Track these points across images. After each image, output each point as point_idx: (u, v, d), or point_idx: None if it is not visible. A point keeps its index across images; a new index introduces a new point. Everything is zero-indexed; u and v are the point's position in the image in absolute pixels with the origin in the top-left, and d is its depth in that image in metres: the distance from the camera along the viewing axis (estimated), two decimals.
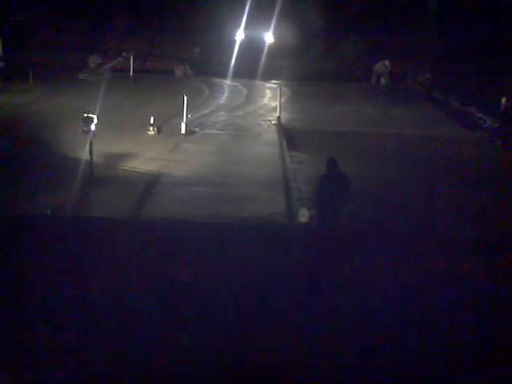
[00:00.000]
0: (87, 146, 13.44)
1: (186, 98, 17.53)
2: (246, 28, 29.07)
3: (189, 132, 17.80)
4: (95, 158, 13.65)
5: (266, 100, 24.01)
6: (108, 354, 7.01)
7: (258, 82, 26.85)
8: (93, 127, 13.51)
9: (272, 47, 28.81)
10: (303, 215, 11.57)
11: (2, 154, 14.35)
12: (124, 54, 27.31)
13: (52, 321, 7.59)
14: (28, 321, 7.58)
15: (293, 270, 9.42)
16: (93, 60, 27.93)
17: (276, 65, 27.62)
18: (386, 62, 26.99)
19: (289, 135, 18.09)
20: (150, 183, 13.48)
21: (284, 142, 17.24)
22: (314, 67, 26.95)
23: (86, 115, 13.86)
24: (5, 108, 19.42)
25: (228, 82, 26.80)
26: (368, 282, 8.86)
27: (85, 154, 13.66)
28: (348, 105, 22.97)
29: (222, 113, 21.44)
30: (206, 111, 21.38)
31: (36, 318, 7.64)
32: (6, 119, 17.70)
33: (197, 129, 18.50)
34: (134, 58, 26.20)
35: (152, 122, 17.55)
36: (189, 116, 18.03)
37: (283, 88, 23.06)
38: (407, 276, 9.04)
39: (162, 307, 8.12)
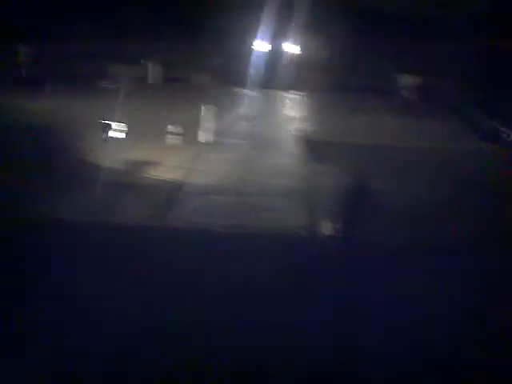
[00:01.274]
0: (108, 154, 13.45)
1: (206, 107, 17.51)
2: (270, 37, 29.07)
3: (209, 141, 17.76)
4: (116, 166, 13.65)
5: (288, 110, 23.94)
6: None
7: (281, 92, 26.80)
8: (113, 135, 13.53)
9: (296, 57, 28.77)
10: (325, 227, 11.46)
11: (23, 161, 14.38)
12: (144, 61, 27.43)
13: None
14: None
15: (312, 281, 9.34)
16: (113, 68, 28.08)
17: (299, 75, 27.54)
18: (412, 77, 26.73)
19: (311, 146, 17.96)
20: (171, 192, 13.44)
21: (306, 153, 17.13)
22: (337, 77, 26.81)
23: (106, 123, 13.90)
24: (26, 116, 19.51)
25: (250, 91, 26.79)
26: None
27: (106, 162, 13.66)
28: (371, 116, 22.78)
29: (243, 123, 21.39)
30: (228, 121, 21.33)
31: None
32: (28, 127, 17.75)
33: (217, 138, 18.45)
34: (154, 66, 26.29)
35: (173, 130, 17.54)
36: (209, 125, 18.00)
37: (306, 98, 22.99)
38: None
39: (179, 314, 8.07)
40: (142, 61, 27.49)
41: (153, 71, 26.81)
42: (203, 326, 7.87)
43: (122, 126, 15.27)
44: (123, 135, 15.18)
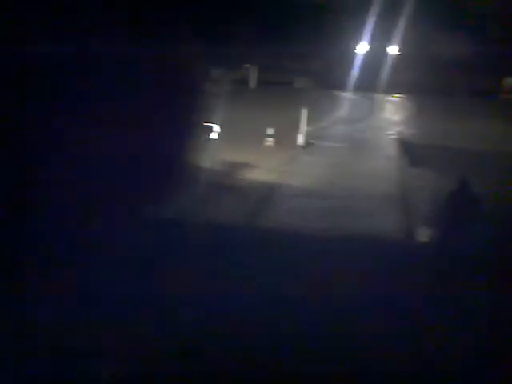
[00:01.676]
0: (208, 155, 13.78)
1: (304, 110, 17.56)
2: (369, 39, 28.71)
3: (307, 144, 17.79)
4: (215, 166, 13.97)
5: (387, 114, 23.53)
6: None
7: (380, 95, 26.35)
8: (213, 136, 13.84)
9: (397, 59, 28.19)
10: (423, 234, 11.15)
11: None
12: (245, 65, 27.87)
13: None
14: None
15: (406, 286, 9.10)
16: (216, 71, 28.68)
17: (400, 77, 26.96)
18: None
19: (410, 150, 17.54)
20: (267, 193, 13.58)
21: (404, 157, 16.75)
22: (440, 80, 25.97)
23: (205, 125, 14.23)
24: None
25: (348, 94, 26.54)
26: None
27: (205, 163, 13.99)
28: (475, 121, 21.88)
29: (341, 125, 21.24)
30: (325, 124, 21.27)
31: None
32: None
33: (315, 141, 18.44)
34: (254, 70, 26.68)
35: (271, 133, 17.72)
36: (308, 128, 18.03)
37: (407, 102, 22.49)
38: None
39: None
40: (244, 65, 27.95)
41: (254, 75, 27.19)
42: (296, 327, 7.87)
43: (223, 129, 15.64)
44: (224, 137, 15.52)
